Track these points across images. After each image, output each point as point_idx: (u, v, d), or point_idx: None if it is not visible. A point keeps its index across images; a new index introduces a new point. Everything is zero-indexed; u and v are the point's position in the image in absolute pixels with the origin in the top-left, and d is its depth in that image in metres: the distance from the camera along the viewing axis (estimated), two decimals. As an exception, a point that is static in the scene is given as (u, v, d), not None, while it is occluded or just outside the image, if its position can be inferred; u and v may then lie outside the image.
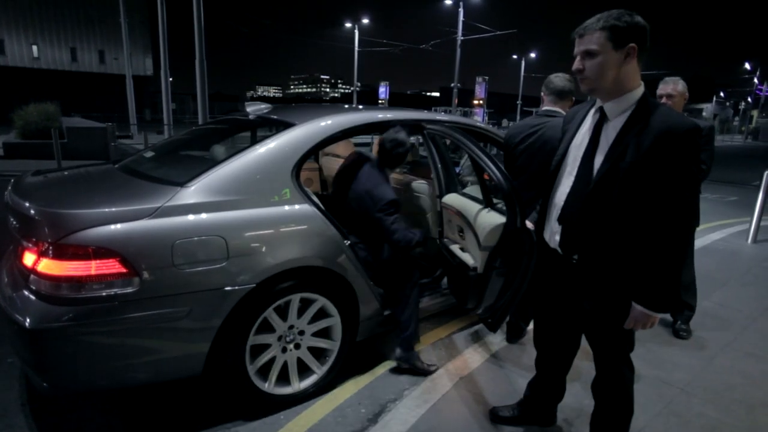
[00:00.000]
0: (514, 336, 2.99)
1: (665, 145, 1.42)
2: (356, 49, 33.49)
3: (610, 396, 1.78)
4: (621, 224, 1.52)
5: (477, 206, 2.51)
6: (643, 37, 1.46)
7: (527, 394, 2.16)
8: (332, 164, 3.85)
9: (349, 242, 2.38)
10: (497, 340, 2.99)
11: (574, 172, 1.62)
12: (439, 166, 2.98)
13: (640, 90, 1.52)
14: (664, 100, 3.03)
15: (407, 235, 2.44)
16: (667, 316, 3.30)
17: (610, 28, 1.44)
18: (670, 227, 1.45)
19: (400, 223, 2.46)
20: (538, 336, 2.03)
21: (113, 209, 1.84)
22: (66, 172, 2.67)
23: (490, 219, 2.37)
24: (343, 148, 3.83)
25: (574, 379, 2.57)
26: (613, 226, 1.52)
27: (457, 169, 4.29)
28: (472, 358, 2.78)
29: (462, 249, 2.72)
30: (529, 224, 2.17)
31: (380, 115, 2.78)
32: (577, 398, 2.39)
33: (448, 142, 3.13)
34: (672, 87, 2.99)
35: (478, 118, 23.58)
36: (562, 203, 1.65)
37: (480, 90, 25.84)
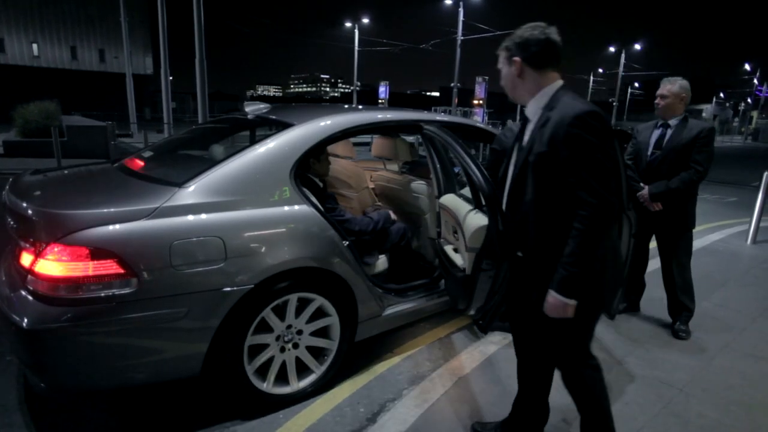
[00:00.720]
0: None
1: (559, 133, 1.47)
2: (356, 48, 33.48)
3: (578, 398, 1.78)
4: (543, 218, 1.57)
5: (467, 207, 2.51)
6: (528, 50, 1.57)
7: (511, 413, 2.07)
8: (332, 164, 3.84)
9: (347, 242, 2.37)
10: (496, 339, 2.99)
11: (510, 176, 1.73)
12: (438, 166, 2.98)
13: (554, 86, 1.60)
14: (657, 100, 3.03)
15: (363, 221, 2.83)
16: (667, 317, 3.31)
17: (503, 49, 1.65)
18: (582, 216, 1.45)
19: (348, 214, 2.81)
20: (515, 343, 1.99)
21: (111, 210, 1.84)
22: (65, 172, 2.67)
23: (476, 220, 2.38)
24: (343, 149, 3.83)
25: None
26: (538, 221, 1.59)
27: (456, 170, 4.29)
28: (472, 357, 2.78)
29: (455, 250, 2.72)
30: None
31: (380, 116, 2.78)
32: (576, 399, 2.39)
33: None
34: (667, 88, 2.99)
35: (478, 119, 23.56)
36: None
37: (480, 90, 25.79)
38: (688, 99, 3.03)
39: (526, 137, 1.63)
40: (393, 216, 3.18)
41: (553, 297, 1.54)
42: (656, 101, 3.05)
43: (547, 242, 1.56)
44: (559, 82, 1.61)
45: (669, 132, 3.03)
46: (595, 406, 1.76)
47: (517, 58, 1.59)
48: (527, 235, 1.63)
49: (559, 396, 2.41)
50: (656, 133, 3.10)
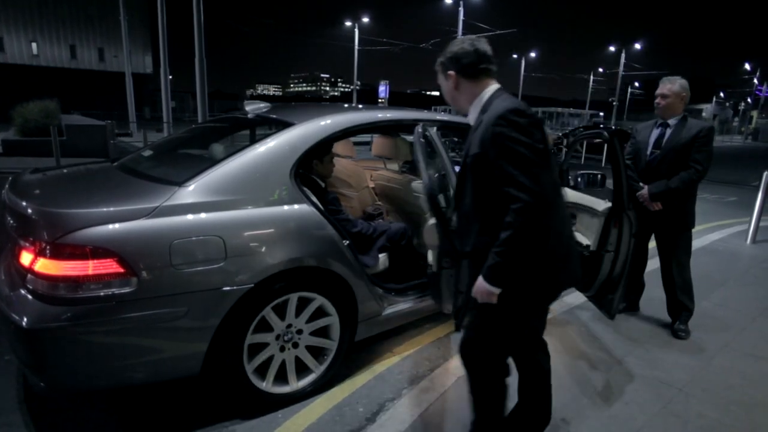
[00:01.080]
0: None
1: (486, 134, 1.52)
2: (356, 47, 33.46)
3: (480, 400, 1.84)
4: (481, 219, 1.62)
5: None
6: (459, 63, 1.66)
7: (511, 411, 2.01)
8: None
9: (347, 242, 2.37)
10: (496, 340, 2.99)
11: None
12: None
13: (489, 92, 1.66)
14: (658, 100, 3.03)
15: (364, 224, 2.85)
16: (666, 317, 3.31)
17: (439, 65, 1.73)
18: (512, 210, 1.47)
19: (351, 216, 2.83)
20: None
21: (111, 209, 1.83)
22: (64, 171, 2.67)
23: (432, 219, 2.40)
24: (343, 148, 3.82)
25: (572, 379, 2.57)
26: (477, 222, 1.64)
27: (458, 168, 4.27)
28: (471, 358, 2.78)
29: None
30: None
31: (380, 115, 2.78)
32: (576, 398, 2.39)
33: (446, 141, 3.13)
34: (668, 87, 2.99)
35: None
36: None
37: (480, 89, 25.78)
38: (688, 98, 3.03)
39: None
40: (389, 222, 3.24)
41: (480, 281, 1.58)
42: (656, 101, 3.05)
43: (486, 242, 1.58)
44: (493, 87, 1.67)
45: (668, 131, 3.03)
46: (494, 412, 1.84)
47: (451, 72, 1.68)
48: (469, 235, 1.68)
49: (557, 395, 2.42)
50: (655, 132, 3.10)
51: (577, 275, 1.75)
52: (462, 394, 2.41)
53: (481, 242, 1.62)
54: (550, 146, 1.63)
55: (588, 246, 3.01)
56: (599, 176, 3.61)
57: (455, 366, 2.68)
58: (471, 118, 1.70)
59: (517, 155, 1.46)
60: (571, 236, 1.74)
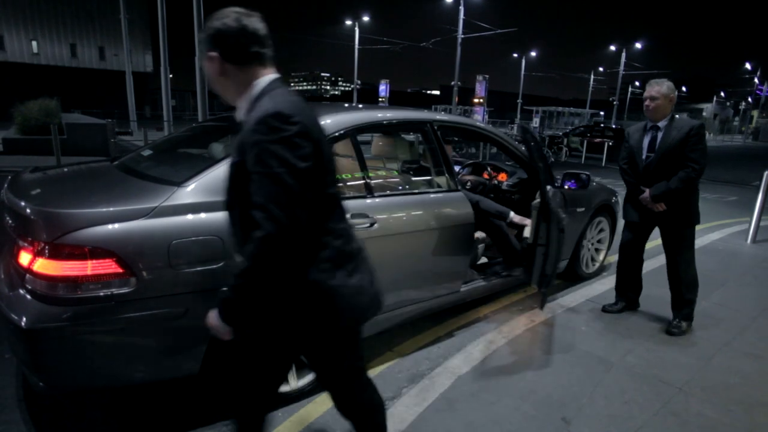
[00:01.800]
0: None
1: (245, 138, 1.22)
2: (356, 46, 33.44)
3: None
4: (246, 238, 1.27)
5: None
6: (223, 43, 1.29)
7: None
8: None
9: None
10: (495, 338, 2.99)
11: None
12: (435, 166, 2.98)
13: (260, 84, 1.32)
14: (647, 102, 3.05)
15: None
16: (666, 316, 3.31)
17: (199, 42, 1.34)
18: (253, 238, 1.18)
19: None
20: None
21: (110, 209, 1.83)
22: (64, 170, 2.67)
23: None
24: (343, 148, 3.82)
25: (571, 378, 2.57)
26: (244, 241, 1.30)
27: (458, 168, 4.28)
28: (470, 356, 2.78)
29: None
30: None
31: (380, 114, 2.78)
32: (575, 397, 2.40)
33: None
34: (656, 89, 3.02)
35: (478, 117, 23.54)
36: None
37: (480, 88, 25.75)
38: (675, 99, 3.07)
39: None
40: None
41: (212, 313, 1.34)
42: (645, 103, 3.08)
43: None
44: (268, 78, 1.33)
45: (660, 134, 3.06)
46: None
47: (214, 54, 1.31)
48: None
49: (556, 393, 2.42)
50: (647, 137, 3.13)
51: (376, 308, 1.55)
52: (462, 393, 2.42)
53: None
54: (333, 162, 1.32)
55: (526, 239, 3.24)
56: (584, 176, 3.66)
57: (455, 365, 2.68)
58: (240, 115, 1.35)
59: (269, 173, 1.16)
60: (362, 266, 1.46)
